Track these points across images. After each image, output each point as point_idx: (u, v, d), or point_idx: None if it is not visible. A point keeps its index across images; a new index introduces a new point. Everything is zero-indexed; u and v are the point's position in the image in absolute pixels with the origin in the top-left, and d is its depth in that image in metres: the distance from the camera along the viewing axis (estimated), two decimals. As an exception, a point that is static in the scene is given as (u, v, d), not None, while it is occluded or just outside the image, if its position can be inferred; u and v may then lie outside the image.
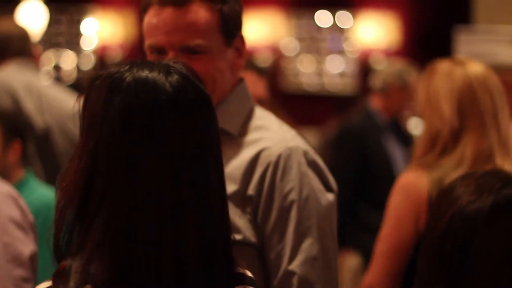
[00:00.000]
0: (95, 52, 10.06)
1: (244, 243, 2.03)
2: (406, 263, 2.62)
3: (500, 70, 3.86)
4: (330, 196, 2.09)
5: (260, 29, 9.73)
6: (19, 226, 2.29)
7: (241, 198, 2.03)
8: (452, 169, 2.57)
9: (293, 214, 2.03)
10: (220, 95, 2.10)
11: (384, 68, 6.21)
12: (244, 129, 2.11)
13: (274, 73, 9.59)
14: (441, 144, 2.64)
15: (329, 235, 2.07)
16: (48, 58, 9.81)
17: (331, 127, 7.22)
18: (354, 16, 9.88)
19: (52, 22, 9.67)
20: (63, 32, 10.05)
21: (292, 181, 2.04)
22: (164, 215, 1.42)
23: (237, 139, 2.10)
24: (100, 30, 10.03)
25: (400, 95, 5.18)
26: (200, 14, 2.05)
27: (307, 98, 9.91)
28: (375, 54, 9.79)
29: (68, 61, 9.99)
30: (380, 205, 3.93)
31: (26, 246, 2.27)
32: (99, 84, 1.46)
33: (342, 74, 9.94)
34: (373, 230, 4.80)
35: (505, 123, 2.68)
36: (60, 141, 4.03)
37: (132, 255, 1.40)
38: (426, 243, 1.90)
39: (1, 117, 3.35)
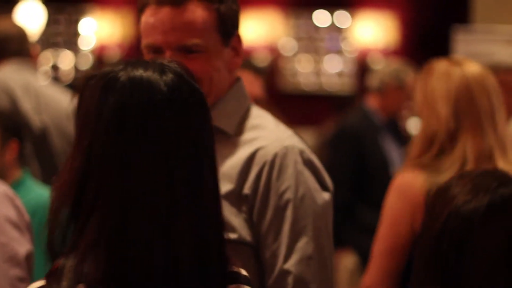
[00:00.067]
0: (93, 52, 10.06)
1: (240, 242, 2.03)
2: (404, 263, 2.62)
3: (498, 69, 3.87)
4: (326, 195, 2.09)
5: (258, 29, 9.73)
6: (15, 226, 2.29)
7: (237, 197, 2.04)
8: (453, 170, 2.57)
9: (289, 213, 2.03)
10: (217, 94, 2.10)
11: (381, 68, 6.21)
12: (240, 128, 2.12)
13: (272, 72, 9.59)
14: (438, 144, 2.63)
15: (325, 234, 2.07)
16: (46, 58, 9.81)
17: (329, 126, 7.22)
18: (352, 15, 9.89)
19: (50, 22, 9.66)
20: (61, 32, 10.05)
21: (288, 180, 2.04)
22: (158, 214, 1.42)
23: (233, 138, 2.10)
24: (98, 30, 10.03)
25: (397, 94, 5.19)
26: (197, 13, 2.05)
27: (305, 98, 9.91)
28: (373, 53, 9.80)
29: (66, 61, 9.99)
30: (377, 204, 3.93)
31: (22, 246, 2.27)
32: (94, 83, 1.46)
33: (340, 74, 9.95)
34: (370, 230, 4.80)
35: (502, 123, 2.68)
36: (57, 141, 4.03)
37: (126, 254, 1.40)
38: (422, 242, 1.90)
39: (-2, 117, 3.35)
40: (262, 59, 9.56)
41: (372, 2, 9.94)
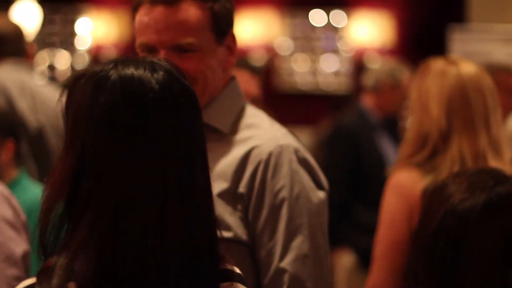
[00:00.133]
0: (89, 51, 10.04)
1: (235, 241, 2.03)
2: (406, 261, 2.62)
3: (494, 70, 3.86)
4: (321, 194, 2.09)
5: (254, 28, 9.73)
6: (12, 225, 2.28)
7: (232, 196, 2.03)
8: (447, 170, 2.57)
9: (284, 211, 2.03)
10: (211, 93, 2.10)
11: (376, 67, 6.21)
12: (235, 127, 2.11)
13: (268, 72, 9.58)
14: (432, 144, 2.63)
15: (320, 233, 2.07)
16: (42, 58, 9.80)
17: (325, 126, 7.22)
18: (348, 15, 9.88)
19: (46, 22, 9.65)
20: (57, 32, 10.03)
21: (283, 179, 2.04)
22: (150, 213, 1.41)
23: (228, 137, 2.10)
24: (94, 30, 10.02)
25: (392, 93, 5.19)
26: (191, 12, 2.04)
27: (302, 97, 9.91)
28: (370, 53, 9.80)
29: (62, 60, 9.98)
30: (373, 203, 3.93)
31: (19, 246, 2.27)
32: (84, 82, 1.45)
33: (336, 73, 9.94)
34: (367, 229, 4.81)
35: (496, 124, 2.67)
36: (53, 141, 4.03)
37: (117, 253, 1.40)
38: (418, 241, 1.90)
39: (-6, 117, 3.35)
40: (258, 59, 9.55)
41: (368, 1, 9.94)
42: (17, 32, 4.20)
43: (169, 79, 1.46)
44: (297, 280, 2.02)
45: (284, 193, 2.04)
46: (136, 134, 1.42)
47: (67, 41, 10.04)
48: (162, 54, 2.01)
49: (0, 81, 4.03)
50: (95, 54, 9.98)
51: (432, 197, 1.91)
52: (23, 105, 4.02)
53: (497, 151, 2.64)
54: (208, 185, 1.49)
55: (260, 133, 2.10)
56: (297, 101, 9.81)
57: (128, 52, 9.50)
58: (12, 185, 3.25)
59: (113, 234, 1.40)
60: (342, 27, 9.90)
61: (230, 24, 2.12)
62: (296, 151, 2.08)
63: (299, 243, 2.03)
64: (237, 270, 1.53)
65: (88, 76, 1.46)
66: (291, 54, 9.95)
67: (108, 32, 9.97)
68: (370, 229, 4.02)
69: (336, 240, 4.97)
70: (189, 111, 1.48)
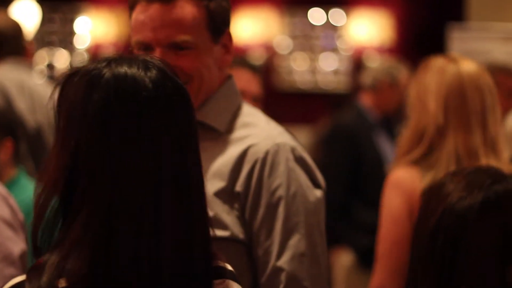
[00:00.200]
0: (88, 50, 10.04)
1: (232, 239, 2.03)
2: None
3: (494, 70, 3.86)
4: (318, 193, 2.09)
5: (253, 27, 9.72)
6: (9, 225, 2.28)
7: (229, 194, 2.03)
8: (443, 166, 2.57)
9: (281, 210, 2.03)
10: (207, 92, 2.10)
11: (374, 66, 6.21)
12: (231, 126, 2.11)
13: (267, 71, 9.58)
14: (428, 140, 2.64)
15: (317, 231, 2.07)
16: (41, 57, 9.80)
17: (324, 125, 7.22)
18: (347, 13, 9.88)
19: (45, 21, 9.65)
20: (56, 31, 10.03)
21: (279, 178, 2.04)
22: (144, 212, 1.41)
23: (224, 135, 2.10)
24: (93, 29, 10.01)
25: (390, 92, 5.19)
26: (187, 10, 2.05)
27: (301, 96, 9.91)
28: (369, 51, 9.80)
29: (61, 59, 9.98)
30: (372, 202, 3.93)
31: (17, 245, 2.27)
32: (77, 80, 1.45)
33: (335, 72, 9.94)
34: (366, 228, 4.82)
35: (494, 123, 2.67)
36: (52, 140, 4.02)
37: (110, 251, 1.40)
38: (416, 239, 1.90)
39: (-7, 116, 3.35)
40: (257, 57, 9.55)
41: (367, 0, 9.94)
42: (16, 30, 4.20)
43: (162, 77, 1.46)
44: (294, 278, 2.02)
45: (280, 192, 2.04)
46: (130, 132, 1.42)
47: (66, 40, 10.03)
48: (158, 52, 2.01)
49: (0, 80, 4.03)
50: (94, 53, 9.98)
51: (430, 196, 1.91)
52: (21, 105, 4.02)
53: (495, 149, 2.64)
54: (201, 183, 1.49)
55: (256, 131, 2.10)
56: (296, 99, 9.81)
57: (127, 51, 9.48)
58: (10, 184, 3.25)
59: (107, 232, 1.40)
60: (341, 26, 9.90)
61: (226, 23, 2.12)
62: (293, 150, 2.08)
63: (296, 242, 2.03)
64: (229, 267, 1.54)
65: (81, 74, 1.46)
66: (290, 53, 9.95)
67: (107, 31, 9.97)
68: (369, 228, 4.03)
69: (335, 239, 4.97)
70: (182, 109, 1.47)
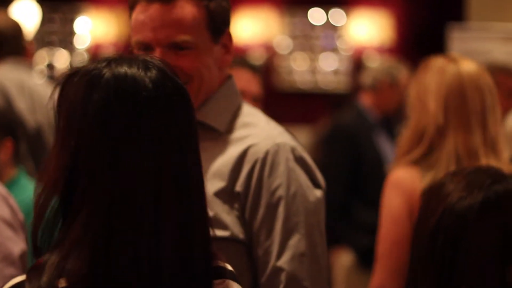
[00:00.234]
0: (88, 50, 10.04)
1: (232, 239, 2.03)
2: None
3: (494, 70, 3.86)
4: (318, 192, 2.09)
5: (253, 27, 9.72)
6: (9, 225, 2.28)
7: (229, 194, 2.03)
8: (443, 166, 2.57)
9: (281, 210, 2.03)
10: (207, 91, 2.10)
11: (374, 66, 6.20)
12: (231, 126, 2.11)
13: (267, 71, 9.58)
14: (428, 140, 2.64)
15: (317, 231, 2.07)
16: (42, 57, 9.80)
17: (325, 125, 7.22)
18: (347, 13, 9.88)
19: (45, 21, 9.65)
20: (56, 31, 10.03)
21: (279, 178, 2.04)
22: (144, 212, 1.41)
23: (224, 135, 2.10)
24: (93, 29, 10.01)
25: (390, 92, 5.19)
26: (187, 10, 2.05)
27: (301, 96, 9.91)
28: (369, 51, 9.79)
29: (61, 59, 9.98)
30: (372, 202, 3.93)
31: (17, 245, 2.27)
32: (77, 80, 1.45)
33: (335, 72, 9.94)
34: (366, 228, 4.82)
35: (495, 123, 2.67)
36: (51, 140, 4.02)
37: (110, 251, 1.40)
38: (416, 239, 1.90)
39: (-7, 116, 3.35)
40: (257, 58, 9.55)
41: (367, 0, 9.94)
42: (16, 30, 4.20)
43: (162, 77, 1.46)
44: (294, 278, 2.02)
45: (280, 192, 2.04)
46: (130, 132, 1.42)
47: (66, 40, 10.03)
48: (158, 52, 2.01)
49: (0, 80, 4.03)
50: (94, 53, 9.97)
51: (430, 196, 1.91)
52: (21, 105, 4.02)
53: (495, 149, 2.64)
54: (201, 182, 1.49)
55: (256, 131, 2.10)
56: (296, 99, 9.81)
57: (127, 51, 9.47)
58: (10, 184, 3.25)
59: (107, 232, 1.40)
60: (341, 26, 9.90)
61: (226, 23, 2.12)
62: (293, 150, 2.08)
63: (296, 242, 2.03)
64: (229, 267, 1.54)
65: (81, 74, 1.46)
66: (290, 53, 9.94)
67: (107, 31, 9.96)
68: (369, 228, 4.03)
69: (335, 239, 4.97)
70: (182, 109, 1.47)
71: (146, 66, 1.46)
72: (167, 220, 1.42)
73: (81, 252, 1.39)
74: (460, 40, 6.46)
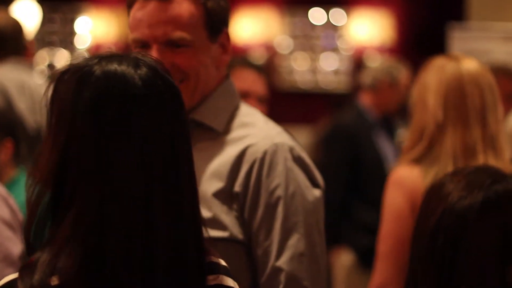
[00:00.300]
0: (89, 50, 10.04)
1: (231, 240, 2.02)
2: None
3: (496, 72, 3.86)
4: (317, 192, 2.09)
5: (254, 27, 9.72)
6: (9, 225, 2.29)
7: (227, 195, 2.03)
8: (442, 164, 2.57)
9: (280, 210, 2.03)
10: (204, 91, 2.10)
11: (373, 65, 6.20)
12: (229, 126, 2.11)
13: (268, 71, 9.58)
14: (428, 137, 2.64)
15: (316, 231, 2.07)
16: (42, 57, 9.80)
17: (325, 125, 7.22)
18: (348, 13, 9.88)
19: (45, 21, 9.65)
20: (57, 31, 10.03)
21: (278, 177, 2.04)
22: (135, 210, 1.41)
23: (222, 136, 2.10)
24: (94, 29, 10.02)
25: (390, 91, 5.19)
26: (184, 7, 2.05)
27: (301, 96, 9.91)
28: (369, 51, 9.80)
29: (62, 60, 9.98)
30: (372, 202, 3.94)
31: (16, 246, 2.27)
32: (68, 78, 1.45)
33: (336, 72, 9.94)
34: (366, 227, 4.82)
35: (495, 122, 2.67)
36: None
37: (101, 248, 1.40)
38: (416, 239, 1.90)
39: (-7, 116, 3.35)
40: (258, 57, 9.55)
41: (367, 0, 9.94)
42: (17, 30, 4.20)
43: (153, 75, 1.46)
44: (293, 278, 2.01)
45: (279, 192, 2.03)
46: (120, 130, 1.42)
47: (66, 40, 10.04)
48: (154, 49, 2.01)
49: (0, 81, 4.03)
50: (95, 53, 9.97)
51: (430, 195, 1.91)
52: (22, 105, 4.02)
53: (495, 148, 2.63)
54: (193, 180, 1.49)
55: (254, 131, 2.09)
56: (297, 99, 9.81)
57: (127, 50, 9.45)
58: (11, 184, 3.25)
59: (98, 229, 1.40)
60: (341, 26, 9.90)
61: (224, 22, 2.11)
62: (291, 149, 2.07)
63: (295, 242, 2.03)
64: (223, 263, 1.54)
65: (72, 71, 1.46)
66: (291, 53, 9.95)
67: (107, 31, 9.97)
68: (369, 228, 4.03)
69: (335, 239, 4.97)
70: (174, 107, 1.47)
71: (137, 64, 1.46)
72: (158, 217, 1.42)
73: (72, 250, 1.39)
74: (460, 40, 6.45)
